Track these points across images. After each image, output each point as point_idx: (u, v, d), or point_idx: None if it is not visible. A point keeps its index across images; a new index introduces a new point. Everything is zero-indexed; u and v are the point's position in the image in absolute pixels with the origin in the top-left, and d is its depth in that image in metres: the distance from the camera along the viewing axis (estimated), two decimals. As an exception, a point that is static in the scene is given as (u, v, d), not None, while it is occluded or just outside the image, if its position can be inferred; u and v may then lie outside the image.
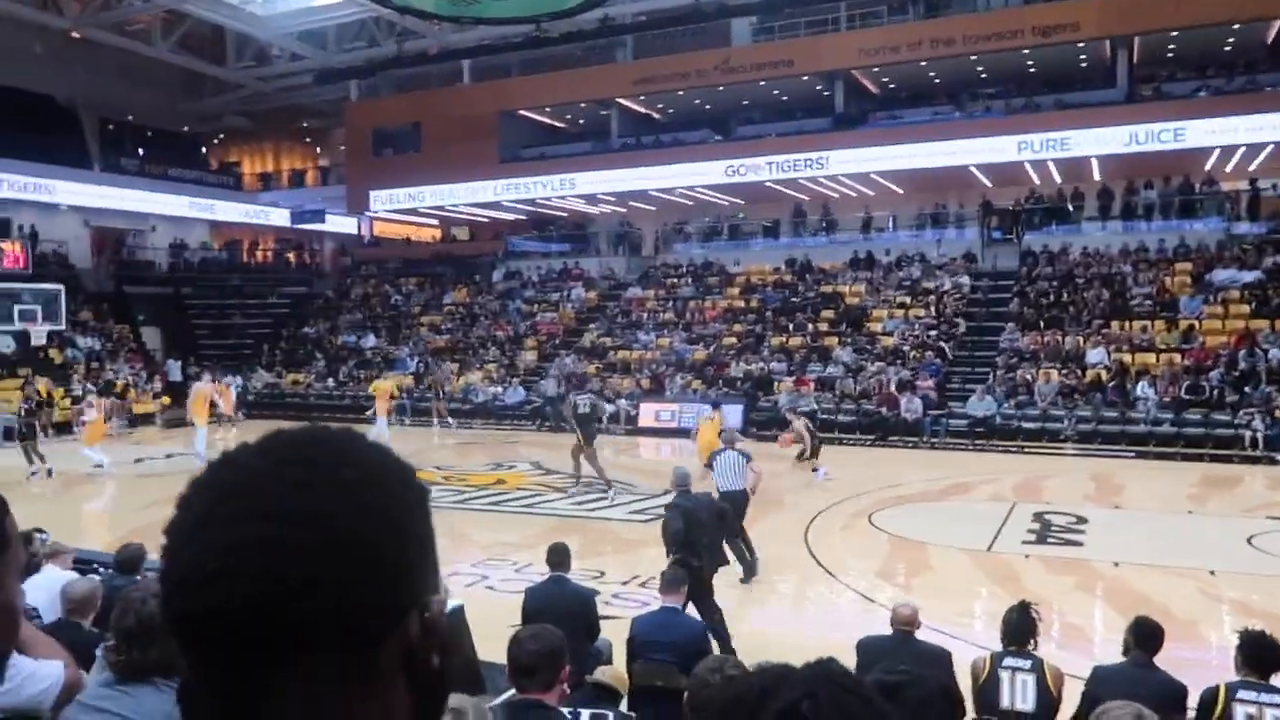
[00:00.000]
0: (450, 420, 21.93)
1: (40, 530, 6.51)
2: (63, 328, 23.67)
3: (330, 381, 25.85)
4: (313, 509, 0.61)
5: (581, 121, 31.15)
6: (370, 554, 0.62)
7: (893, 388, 19.36)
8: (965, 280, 23.37)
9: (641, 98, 28.68)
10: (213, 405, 18.19)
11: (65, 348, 24.70)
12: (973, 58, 24.71)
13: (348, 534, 0.61)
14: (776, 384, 21.04)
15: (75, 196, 28.74)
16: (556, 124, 31.65)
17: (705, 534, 7.26)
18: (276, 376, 26.69)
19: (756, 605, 8.88)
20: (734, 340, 23.49)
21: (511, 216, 31.96)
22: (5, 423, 20.11)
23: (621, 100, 28.84)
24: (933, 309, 22.57)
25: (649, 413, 20.88)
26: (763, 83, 26.82)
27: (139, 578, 5.73)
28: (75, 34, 28.50)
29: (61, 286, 23.52)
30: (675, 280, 27.15)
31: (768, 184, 26.16)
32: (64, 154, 28.93)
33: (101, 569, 6.49)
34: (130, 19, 27.97)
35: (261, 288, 32.20)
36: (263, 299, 31.65)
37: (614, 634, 5.92)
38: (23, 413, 16.98)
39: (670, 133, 29.48)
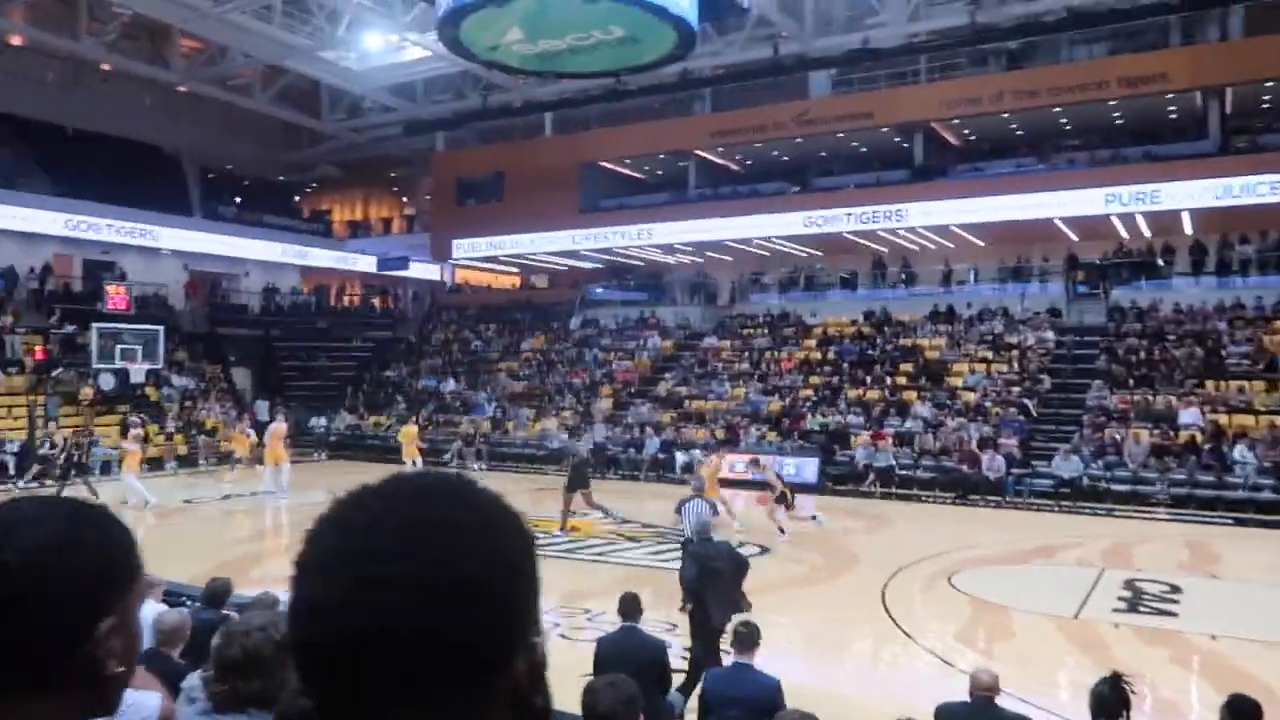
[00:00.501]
0: (479, 465, 22.03)
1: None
2: (160, 367, 24.82)
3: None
4: (435, 550, 0.65)
5: (660, 172, 31.51)
6: (487, 595, 0.66)
7: (974, 445, 18.91)
8: (1050, 335, 22.82)
9: (719, 149, 28.97)
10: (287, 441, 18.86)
11: (161, 386, 25.64)
12: (1056, 109, 24.39)
13: (468, 576, 0.65)
14: (853, 438, 20.72)
15: (176, 241, 30.09)
16: (635, 174, 32.07)
17: (720, 582, 7.25)
18: (359, 418, 27.34)
19: (831, 665, 8.72)
20: (810, 392, 23.27)
21: (590, 265, 32.38)
22: (105, 456, 20.87)
23: (699, 152, 29.17)
24: (1015, 364, 22.06)
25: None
26: (841, 134, 26.86)
27: (225, 611, 5.93)
28: (182, 88, 30.06)
29: (161, 328, 24.80)
30: (751, 330, 27.11)
31: (846, 235, 26.05)
32: (167, 201, 30.39)
33: (189, 601, 6.69)
34: (233, 74, 29.42)
35: (347, 331, 33.12)
36: (348, 342, 32.55)
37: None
38: (69, 448, 17.75)
39: (748, 184, 29.61)
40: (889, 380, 22.84)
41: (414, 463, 19.40)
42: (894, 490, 18.69)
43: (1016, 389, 21.16)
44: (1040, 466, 18.60)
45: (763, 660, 5.67)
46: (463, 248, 31.54)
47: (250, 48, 26.64)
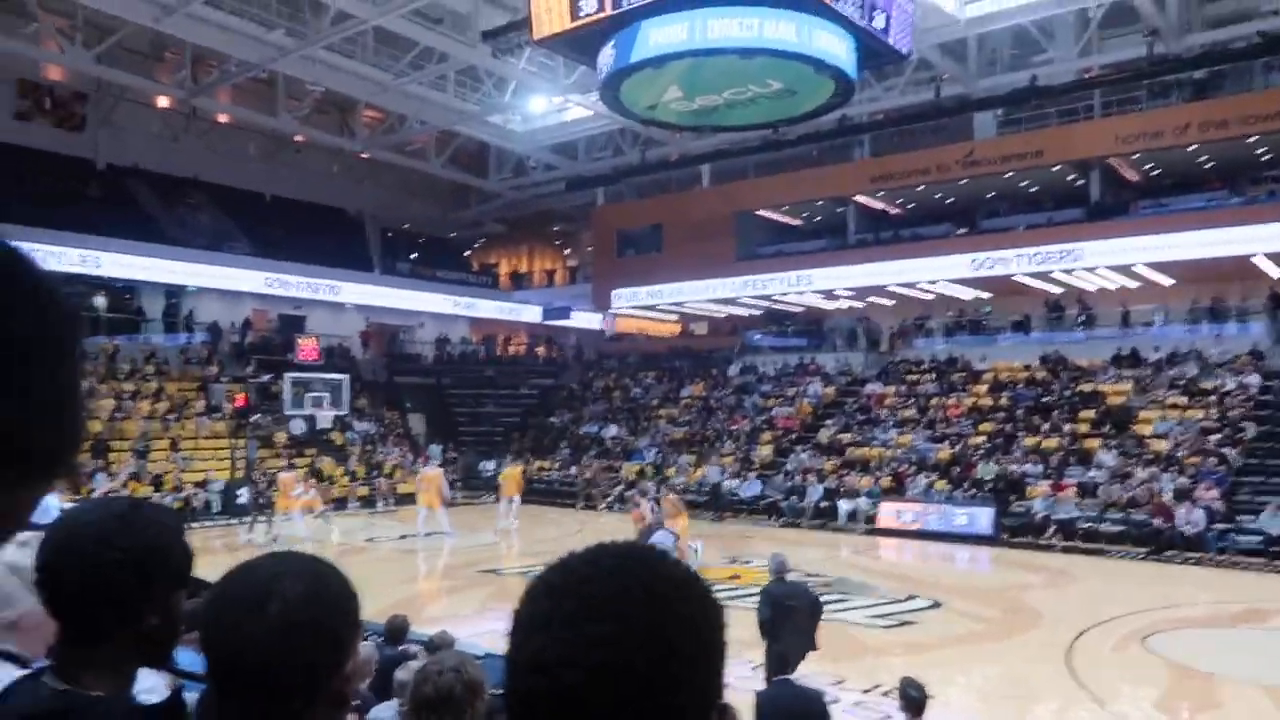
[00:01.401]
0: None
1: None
2: (345, 413, 26.19)
3: (573, 469, 26.71)
4: (643, 617, 0.71)
5: (818, 218, 31.37)
6: (688, 659, 0.72)
7: (1167, 496, 17.58)
8: (1254, 379, 21.07)
9: (879, 194, 28.61)
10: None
11: (345, 431, 27.15)
12: (1251, 139, 22.77)
13: (671, 641, 0.71)
14: (1030, 487, 19.70)
15: (358, 296, 32.01)
16: (792, 221, 32.06)
17: (795, 620, 7.26)
18: (525, 462, 27.71)
19: (1015, 727, 8.24)
20: (982, 439, 22.30)
21: (748, 312, 32.38)
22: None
23: (858, 197, 28.85)
24: (1213, 410, 20.45)
25: (889, 512, 20.12)
26: (1009, 174, 25.99)
27: (403, 647, 6.38)
28: (364, 155, 32.26)
29: (345, 376, 26.21)
30: (917, 376, 26.33)
31: (1016, 278, 25.04)
32: (350, 259, 32.51)
33: (371, 636, 6.85)
34: (410, 140, 31.38)
35: (513, 379, 34.22)
36: (514, 389, 33.58)
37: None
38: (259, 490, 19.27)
39: (909, 227, 29.00)
40: (1068, 427, 21.63)
41: (511, 501, 20.23)
42: (1077, 544, 17.58)
43: (1215, 436, 19.59)
44: (1246, 521, 17.07)
45: None
46: (623, 297, 32.21)
47: (426, 115, 28.37)
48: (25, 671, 1.34)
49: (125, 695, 1.23)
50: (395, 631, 6.48)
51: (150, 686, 1.32)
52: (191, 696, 1.33)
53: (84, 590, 1.21)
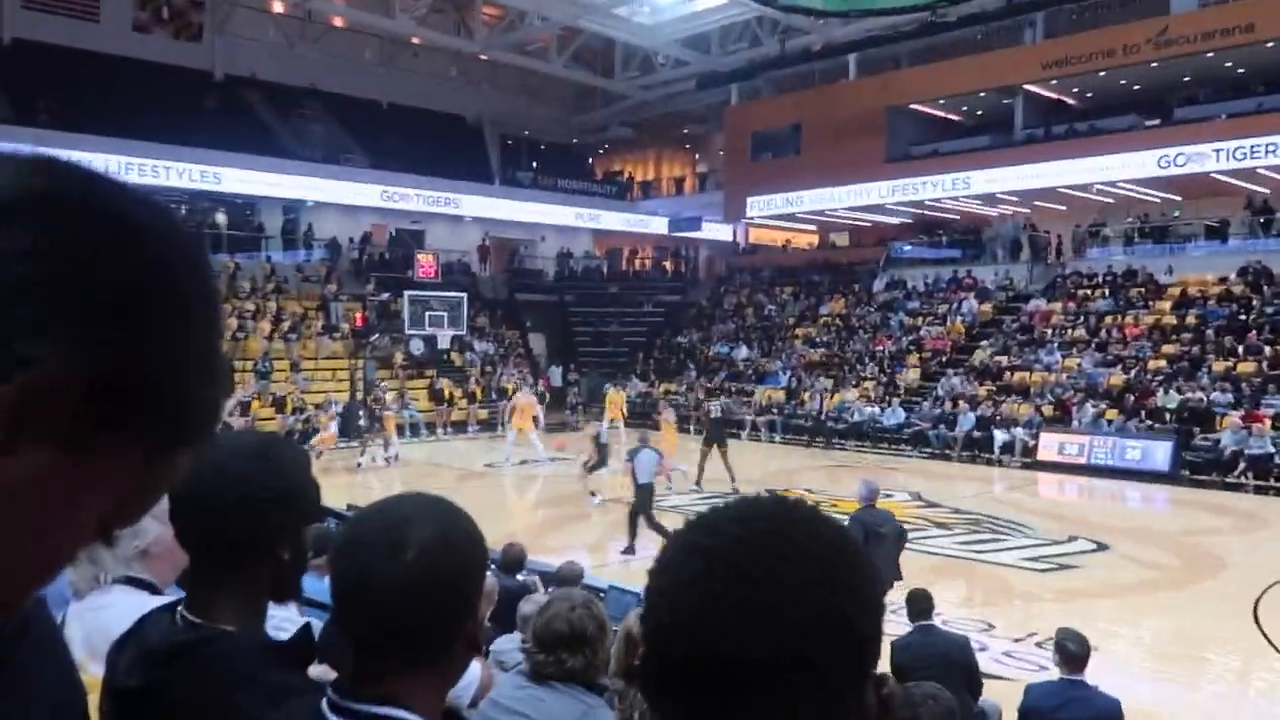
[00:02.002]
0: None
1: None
2: (464, 333, 26.97)
3: (701, 394, 26.86)
4: (796, 582, 0.71)
5: (979, 113, 30.01)
6: (845, 628, 0.72)
7: (1386, 431, 16.29)
8: None
9: (1052, 82, 27.06)
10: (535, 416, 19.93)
11: (464, 351, 27.93)
12: None
13: (827, 608, 0.71)
14: (1219, 419, 18.64)
15: (478, 209, 32.60)
16: (950, 117, 30.76)
17: (883, 547, 7.74)
18: (650, 386, 28.29)
19: (1185, 688, 7.95)
20: (1162, 364, 21.19)
21: (896, 220, 31.55)
22: (413, 419, 22.95)
23: (1028, 86, 27.41)
24: None
25: (1051, 445, 19.42)
26: (1210, 55, 23.96)
27: (521, 578, 6.61)
28: (483, 56, 32.49)
29: (465, 294, 26.89)
30: (1089, 291, 25.13)
31: (1213, 175, 23.33)
32: (469, 169, 32.97)
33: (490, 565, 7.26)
34: (529, 38, 31.38)
35: (638, 296, 34.38)
36: (638, 307, 33.79)
37: (1005, 698, 5.59)
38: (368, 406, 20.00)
39: (1087, 120, 27.28)
40: (1268, 350, 20.26)
41: (614, 425, 20.04)
42: (1272, 483, 16.57)
43: None
44: None
45: (1097, 675, 5.23)
46: (757, 205, 31.76)
47: (547, 9, 28.24)
48: (159, 601, 1.45)
49: (257, 629, 1.32)
50: (512, 562, 6.65)
51: (280, 621, 1.42)
52: (317, 624, 1.43)
53: (222, 529, 1.29)
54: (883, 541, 7.84)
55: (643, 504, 11.55)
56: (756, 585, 0.71)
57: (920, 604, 5.94)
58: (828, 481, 17.52)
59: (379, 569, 1.09)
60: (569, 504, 15.54)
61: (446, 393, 25.27)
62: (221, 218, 28.51)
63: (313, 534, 1.47)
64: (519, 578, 6.54)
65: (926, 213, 30.03)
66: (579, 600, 2.70)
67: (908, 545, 12.00)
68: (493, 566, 6.61)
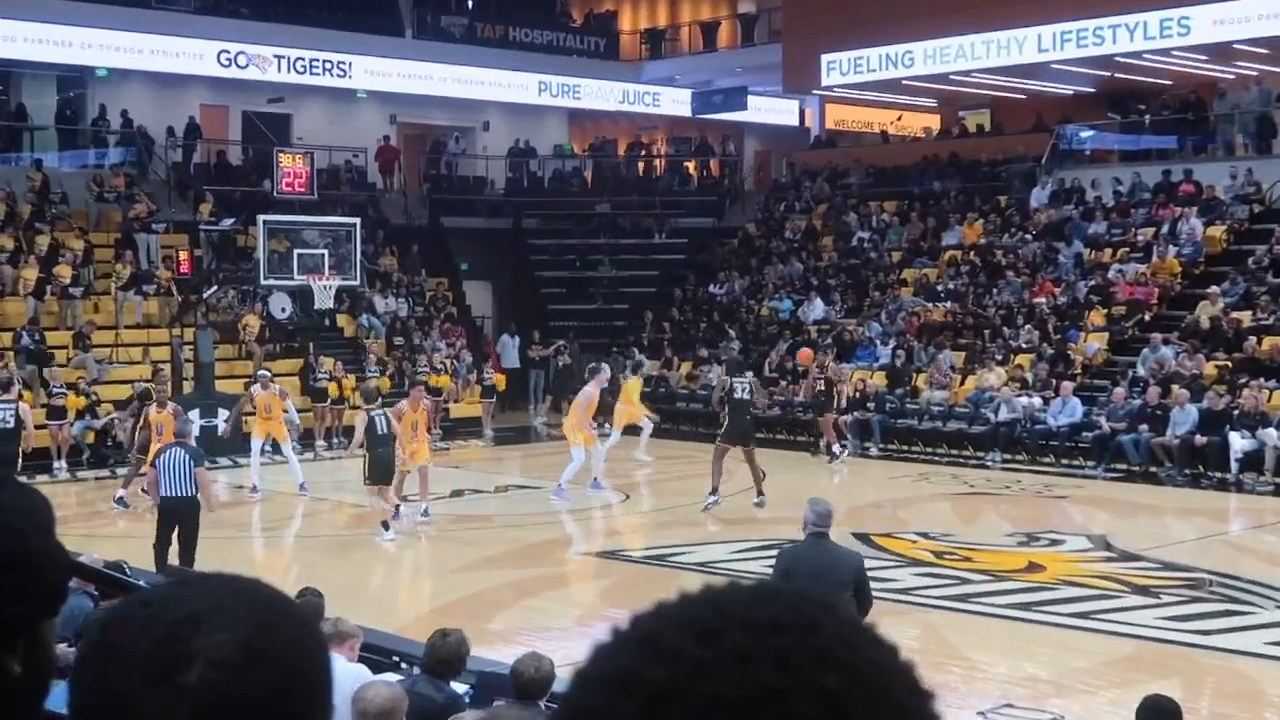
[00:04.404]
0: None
1: (315, 592, 7.58)
2: (356, 283, 26.20)
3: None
4: (824, 682, 0.77)
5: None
6: None
7: None
8: None
9: None
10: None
11: (359, 313, 27.37)
12: None
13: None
14: None
15: (378, 78, 31.87)
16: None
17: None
18: (664, 366, 27.76)
19: None
20: None
21: (1068, 89, 31.02)
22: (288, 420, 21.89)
23: None
24: None
25: None
26: None
27: (456, 686, 6.71)
28: None
29: (357, 220, 26.19)
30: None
31: None
32: (364, 13, 32.30)
33: (403, 665, 7.62)
34: None
35: (644, 220, 33.85)
36: (645, 238, 33.35)
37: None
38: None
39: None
40: None
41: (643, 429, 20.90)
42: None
43: None
44: None
45: None
46: (839, 66, 31.03)
47: None
48: None
49: None
50: (443, 661, 6.64)
51: None
52: None
53: None
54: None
55: None
56: (778, 670, 0.78)
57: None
58: (957, 519, 17.25)
59: (143, 698, 1.07)
60: (547, 556, 15.71)
61: (330, 381, 24.51)
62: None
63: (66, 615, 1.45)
64: (454, 686, 6.73)
65: (1117, 75, 29.45)
66: None
67: (1085, 622, 12.10)
68: (415, 671, 7.06)
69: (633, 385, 21.84)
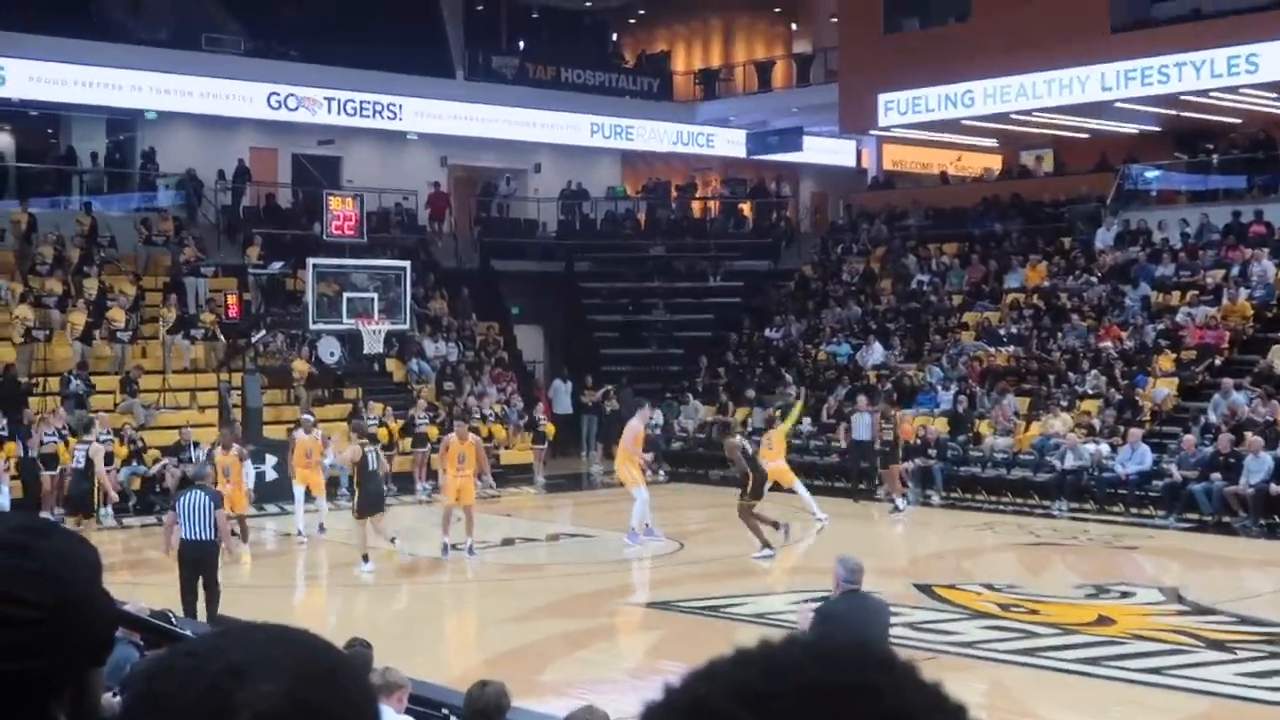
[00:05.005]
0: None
1: (363, 642, 7.53)
2: (405, 327, 26.01)
3: (806, 424, 25.82)
4: None
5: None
6: None
7: None
8: None
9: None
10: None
11: (409, 358, 27.30)
12: None
13: None
14: None
15: (429, 120, 31.88)
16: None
17: None
18: (719, 411, 27.46)
19: None
20: None
21: (1133, 129, 30.77)
22: (332, 469, 21.86)
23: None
24: None
25: None
26: None
27: None
28: None
29: (407, 264, 25.99)
30: None
31: None
32: (415, 54, 32.18)
33: (452, 717, 7.56)
34: None
35: (698, 262, 33.74)
36: (700, 281, 33.23)
37: None
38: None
39: None
40: None
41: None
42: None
43: None
44: None
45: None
46: (897, 106, 30.96)
47: None
48: None
49: None
50: (484, 711, 6.61)
51: None
52: None
53: None
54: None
55: None
56: None
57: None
58: (1023, 570, 17.05)
59: None
60: (599, 606, 15.56)
61: (380, 427, 24.14)
62: (4, 138, 28.42)
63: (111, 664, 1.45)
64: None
65: (1183, 114, 29.23)
66: None
67: (1157, 678, 12.01)
68: (452, 716, 7.23)
69: (780, 433, 21.15)
